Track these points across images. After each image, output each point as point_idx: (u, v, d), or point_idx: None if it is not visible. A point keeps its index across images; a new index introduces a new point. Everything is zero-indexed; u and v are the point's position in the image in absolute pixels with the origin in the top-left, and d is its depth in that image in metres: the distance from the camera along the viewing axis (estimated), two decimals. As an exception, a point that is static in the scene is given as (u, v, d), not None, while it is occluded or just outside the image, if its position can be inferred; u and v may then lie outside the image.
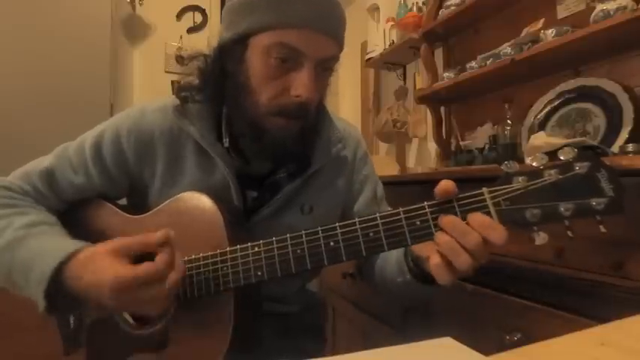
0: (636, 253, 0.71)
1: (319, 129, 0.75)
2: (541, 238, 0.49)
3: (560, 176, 0.48)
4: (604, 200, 0.46)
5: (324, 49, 0.64)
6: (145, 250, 0.57)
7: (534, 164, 0.50)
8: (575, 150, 0.49)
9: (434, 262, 0.52)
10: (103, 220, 0.71)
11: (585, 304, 0.79)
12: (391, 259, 0.70)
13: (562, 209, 0.48)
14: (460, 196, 0.52)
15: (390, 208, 0.59)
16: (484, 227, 0.49)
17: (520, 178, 0.50)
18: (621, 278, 0.73)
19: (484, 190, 0.51)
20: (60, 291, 0.57)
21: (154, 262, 0.54)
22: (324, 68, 0.66)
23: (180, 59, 2.66)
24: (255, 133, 0.67)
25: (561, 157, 0.49)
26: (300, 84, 0.62)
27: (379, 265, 0.75)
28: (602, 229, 0.47)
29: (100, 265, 0.54)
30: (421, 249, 0.58)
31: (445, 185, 0.52)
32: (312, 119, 0.68)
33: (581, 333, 0.36)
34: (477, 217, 0.49)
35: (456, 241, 0.49)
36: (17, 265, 0.59)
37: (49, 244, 0.60)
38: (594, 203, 0.46)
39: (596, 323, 0.40)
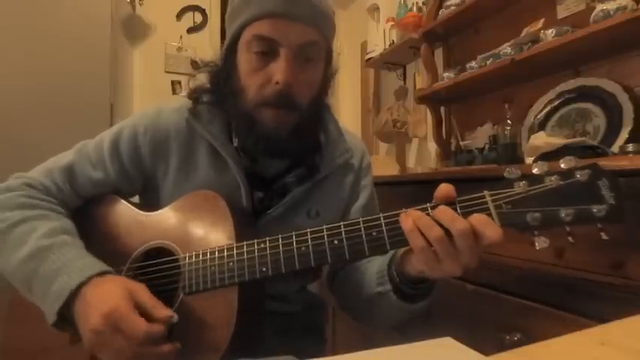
0: (636, 253, 0.71)
1: (327, 136, 0.77)
2: (542, 241, 0.50)
3: (561, 182, 0.49)
4: (604, 207, 0.46)
5: (298, 36, 0.65)
6: (149, 311, 0.55)
7: (535, 170, 0.51)
8: (577, 159, 0.49)
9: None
10: (117, 216, 0.73)
11: (585, 304, 0.79)
12: (373, 270, 0.69)
13: (563, 214, 0.48)
14: (461, 198, 0.53)
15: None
16: (481, 224, 0.50)
17: (521, 183, 0.51)
18: (621, 278, 0.73)
19: (485, 192, 0.52)
20: (70, 309, 0.57)
21: (150, 325, 0.53)
22: (307, 59, 0.67)
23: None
24: (247, 127, 0.69)
25: (562, 165, 0.50)
26: (277, 70, 0.64)
27: (354, 277, 0.75)
28: (604, 236, 0.47)
29: (107, 294, 0.55)
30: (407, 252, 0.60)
31: (445, 190, 0.53)
32: (305, 113, 0.69)
33: (581, 333, 0.36)
34: (473, 216, 0.51)
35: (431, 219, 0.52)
36: (38, 277, 0.60)
37: (71, 263, 0.60)
38: (595, 210, 0.47)
39: (596, 323, 0.40)
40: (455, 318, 1.05)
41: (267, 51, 0.65)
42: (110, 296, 0.54)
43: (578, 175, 0.48)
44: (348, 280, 0.77)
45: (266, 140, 0.68)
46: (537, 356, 0.33)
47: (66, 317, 0.58)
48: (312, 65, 0.69)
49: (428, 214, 0.53)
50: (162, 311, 0.55)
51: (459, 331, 0.43)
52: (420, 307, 0.65)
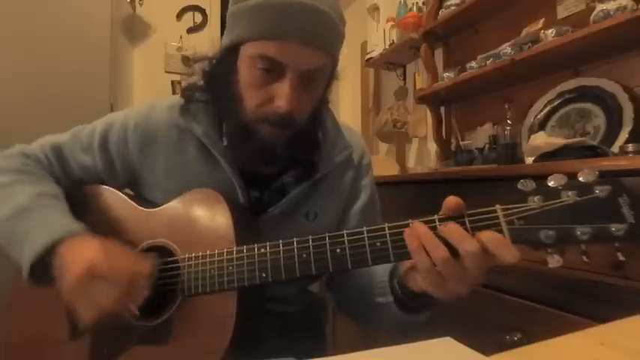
0: (636, 253, 0.71)
1: (325, 134, 0.75)
2: (555, 260, 0.47)
3: (579, 198, 0.46)
4: (624, 227, 0.44)
5: (307, 61, 0.62)
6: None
7: (552, 183, 0.48)
8: (597, 172, 0.47)
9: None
10: (116, 211, 0.73)
11: (585, 304, 0.79)
12: (374, 279, 0.69)
13: (579, 233, 0.46)
14: (472, 211, 0.51)
15: (381, 221, 0.58)
16: (495, 244, 0.47)
17: (536, 198, 0.48)
18: (621, 278, 0.73)
19: (497, 207, 0.49)
20: (46, 265, 0.60)
21: (131, 268, 0.57)
22: (311, 79, 0.65)
23: (186, 60, 2.67)
24: (243, 138, 0.67)
25: (581, 179, 0.47)
26: (282, 95, 0.62)
27: (354, 281, 0.74)
28: (621, 256, 0.45)
29: (83, 250, 0.58)
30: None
31: (454, 202, 0.51)
32: (302, 126, 0.68)
33: (581, 333, 0.36)
34: (487, 234, 0.48)
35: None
36: (17, 233, 0.63)
37: (50, 220, 0.63)
38: (614, 229, 0.44)
39: (596, 323, 0.40)
40: (455, 318, 1.05)
41: (272, 69, 0.62)
42: (86, 250, 0.57)
43: (597, 191, 0.45)
44: (348, 283, 0.77)
45: (261, 154, 0.67)
46: (537, 356, 0.33)
47: (41, 274, 0.60)
48: (316, 85, 0.67)
49: (435, 228, 0.50)
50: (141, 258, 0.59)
51: (459, 331, 0.43)
52: (422, 319, 0.64)
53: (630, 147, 0.99)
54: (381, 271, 0.67)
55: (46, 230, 0.61)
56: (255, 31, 0.62)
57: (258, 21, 0.61)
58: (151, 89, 2.66)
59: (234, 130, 0.69)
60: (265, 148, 0.66)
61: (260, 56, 0.62)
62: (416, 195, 1.32)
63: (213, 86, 0.71)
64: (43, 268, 0.59)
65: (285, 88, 0.62)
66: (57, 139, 0.77)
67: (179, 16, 2.80)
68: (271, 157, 0.68)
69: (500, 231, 0.49)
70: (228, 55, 0.67)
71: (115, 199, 0.74)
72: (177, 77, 2.74)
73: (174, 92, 2.72)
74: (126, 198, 0.74)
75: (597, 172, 0.47)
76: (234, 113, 0.68)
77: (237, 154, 0.70)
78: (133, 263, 0.58)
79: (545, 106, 1.39)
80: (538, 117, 1.40)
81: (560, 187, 0.47)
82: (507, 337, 0.89)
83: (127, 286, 0.56)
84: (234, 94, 0.67)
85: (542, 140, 1.09)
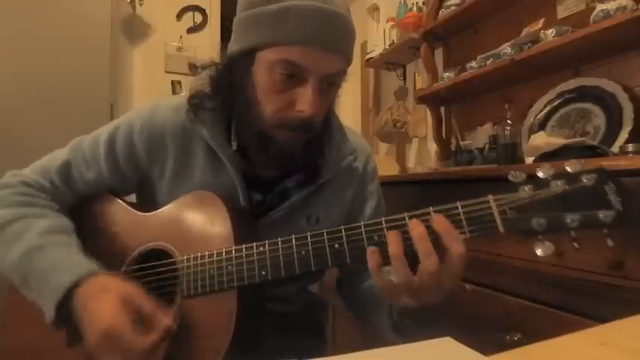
0: (636, 253, 0.71)
1: (330, 139, 0.75)
2: (546, 247, 0.49)
3: (567, 187, 0.48)
4: (611, 213, 0.46)
5: (329, 66, 0.62)
6: (147, 318, 0.56)
7: (540, 174, 0.50)
8: (583, 162, 0.48)
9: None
10: (114, 216, 0.72)
11: (585, 304, 0.79)
12: (374, 300, 0.71)
13: (568, 220, 0.47)
14: (465, 202, 0.52)
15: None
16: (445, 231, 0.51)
17: (526, 188, 0.50)
18: (621, 278, 0.73)
19: (490, 197, 0.51)
20: (68, 308, 0.58)
21: (147, 339, 0.54)
22: (330, 83, 0.65)
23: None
24: (261, 144, 0.67)
25: (568, 169, 0.49)
26: (305, 100, 0.62)
27: (359, 298, 0.76)
28: (610, 242, 0.46)
29: (103, 307, 0.55)
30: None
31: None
32: (318, 130, 0.68)
33: (581, 333, 0.36)
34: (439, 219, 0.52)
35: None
36: (34, 274, 0.61)
37: (66, 260, 0.61)
38: (601, 216, 0.46)
39: (596, 323, 0.40)
40: (455, 318, 1.05)
41: (293, 74, 0.62)
42: (106, 308, 0.54)
43: (584, 180, 0.47)
44: (356, 287, 0.78)
45: (280, 158, 0.67)
46: (537, 356, 0.33)
47: (63, 317, 0.58)
48: (333, 89, 0.67)
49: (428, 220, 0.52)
50: (162, 320, 0.55)
51: (459, 331, 0.43)
52: (426, 331, 0.65)
53: (630, 147, 0.99)
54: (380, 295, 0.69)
55: (63, 272, 0.59)
56: (275, 36, 0.61)
57: (280, 27, 0.60)
58: (151, 89, 2.66)
59: (250, 136, 0.68)
60: (284, 153, 0.66)
61: (282, 61, 0.61)
62: (416, 195, 1.32)
63: (223, 92, 0.70)
64: (65, 309, 0.58)
65: (308, 94, 0.62)
66: (59, 160, 0.73)
67: (179, 16, 2.80)
68: (289, 162, 0.68)
69: (494, 221, 0.50)
70: (243, 61, 0.66)
71: (112, 204, 0.74)
72: (177, 77, 2.74)
73: (174, 92, 2.72)
74: (123, 203, 0.74)
75: (583, 161, 0.49)
76: (249, 118, 0.67)
77: (254, 159, 0.70)
78: (148, 330, 0.55)
79: (545, 106, 1.39)
80: (538, 117, 1.40)
81: (550, 178, 0.49)
82: (507, 337, 0.89)
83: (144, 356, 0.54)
84: (249, 99, 0.66)
85: (542, 140, 1.09)
